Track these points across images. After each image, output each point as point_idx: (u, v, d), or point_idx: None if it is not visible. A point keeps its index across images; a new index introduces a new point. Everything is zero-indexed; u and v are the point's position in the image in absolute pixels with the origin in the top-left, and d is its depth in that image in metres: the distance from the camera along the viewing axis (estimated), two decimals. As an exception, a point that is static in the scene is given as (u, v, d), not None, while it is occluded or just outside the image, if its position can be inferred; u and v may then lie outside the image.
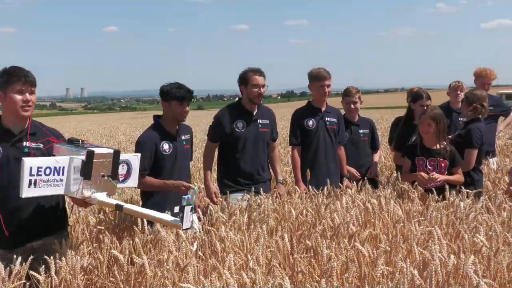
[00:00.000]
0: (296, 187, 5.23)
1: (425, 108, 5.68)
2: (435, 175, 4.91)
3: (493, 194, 4.74)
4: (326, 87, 5.53)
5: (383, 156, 8.36)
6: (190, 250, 3.28)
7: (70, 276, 2.95)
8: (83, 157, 3.19)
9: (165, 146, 4.43)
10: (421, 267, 2.84)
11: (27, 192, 3.06)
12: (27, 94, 3.33)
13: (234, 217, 3.94)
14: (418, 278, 2.53)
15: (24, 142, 3.39)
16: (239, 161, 5.06)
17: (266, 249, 3.22)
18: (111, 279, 3.11)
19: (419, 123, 5.18)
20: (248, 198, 4.45)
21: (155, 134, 4.47)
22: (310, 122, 5.55)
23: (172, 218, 3.28)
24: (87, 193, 3.24)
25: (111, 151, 3.32)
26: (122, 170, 3.46)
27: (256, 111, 5.21)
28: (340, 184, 5.28)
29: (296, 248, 3.32)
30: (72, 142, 3.39)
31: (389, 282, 2.66)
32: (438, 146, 5.08)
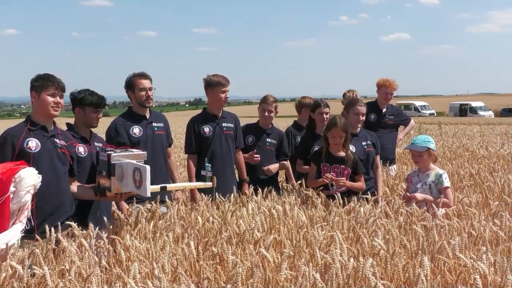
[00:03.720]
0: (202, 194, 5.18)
1: (325, 115, 5.87)
2: (342, 179, 5.09)
3: (392, 200, 4.97)
4: (226, 93, 5.51)
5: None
6: (94, 259, 3.21)
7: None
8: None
9: (81, 149, 4.37)
10: (323, 270, 2.93)
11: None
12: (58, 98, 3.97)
13: (140, 225, 3.89)
14: (320, 281, 2.61)
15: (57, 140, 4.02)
16: None
17: (172, 257, 3.20)
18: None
19: (330, 135, 5.24)
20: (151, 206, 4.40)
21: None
22: (207, 129, 5.50)
23: (201, 183, 4.81)
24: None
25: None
26: (137, 176, 3.89)
27: (149, 115, 5.18)
28: (247, 191, 5.34)
29: (202, 255, 3.32)
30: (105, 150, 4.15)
31: (293, 286, 2.72)
32: (342, 153, 5.25)
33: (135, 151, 4.19)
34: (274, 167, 6.05)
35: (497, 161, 8.37)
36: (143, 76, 5.08)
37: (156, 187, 4.29)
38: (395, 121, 7.45)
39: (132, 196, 4.26)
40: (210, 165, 4.80)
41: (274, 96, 6.25)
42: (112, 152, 4.03)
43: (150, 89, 5.09)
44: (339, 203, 4.65)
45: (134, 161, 3.96)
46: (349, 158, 5.24)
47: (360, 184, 5.29)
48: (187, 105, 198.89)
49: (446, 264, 3.14)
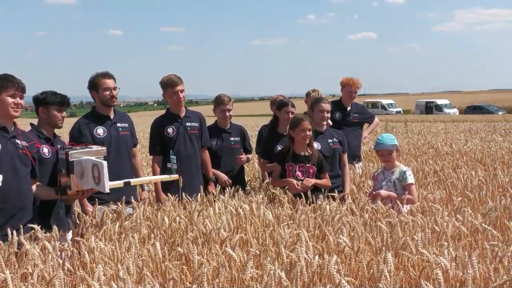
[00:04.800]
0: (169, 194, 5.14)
1: (290, 114, 5.93)
2: (307, 181, 5.11)
3: (358, 197, 5.03)
4: (179, 93, 5.46)
5: (256, 163, 8.55)
6: (58, 262, 3.16)
7: None
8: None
9: (45, 149, 4.29)
10: (288, 268, 2.94)
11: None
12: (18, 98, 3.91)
13: (105, 226, 3.85)
14: (285, 280, 2.62)
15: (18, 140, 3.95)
16: None
17: (138, 258, 3.18)
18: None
19: (298, 130, 5.27)
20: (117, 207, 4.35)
21: (35, 137, 4.34)
22: (170, 130, 5.47)
23: (166, 175, 4.84)
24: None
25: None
26: (95, 172, 3.82)
27: (113, 115, 5.11)
28: (213, 191, 5.32)
29: (169, 256, 3.31)
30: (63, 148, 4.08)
31: (258, 285, 2.73)
32: (306, 152, 5.29)
33: (94, 148, 4.13)
34: (245, 157, 6.14)
35: (460, 157, 8.54)
36: (107, 75, 5.00)
37: (119, 183, 4.24)
38: (360, 119, 7.56)
39: (94, 195, 4.22)
40: (175, 157, 4.79)
41: (227, 94, 6.22)
42: (70, 149, 3.98)
43: (115, 88, 5.01)
44: (306, 202, 4.67)
45: (93, 158, 3.91)
46: (314, 156, 5.29)
47: (326, 181, 5.34)
48: (155, 104, 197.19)
49: (410, 259, 3.19)
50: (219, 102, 6.12)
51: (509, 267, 2.79)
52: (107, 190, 3.80)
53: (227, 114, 6.08)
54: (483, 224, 3.78)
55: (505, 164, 7.59)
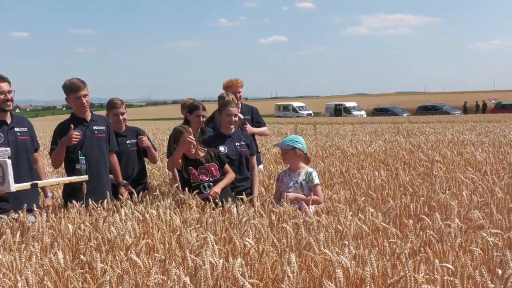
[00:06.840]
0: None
1: (201, 118, 5.95)
2: (214, 194, 5.15)
3: (266, 199, 5.10)
4: (83, 98, 5.24)
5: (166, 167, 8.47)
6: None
7: None
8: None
9: None
10: (193, 273, 2.95)
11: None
12: None
13: (4, 236, 3.69)
14: (189, 284, 2.62)
15: None
16: None
17: (39, 268, 3.07)
18: None
19: (182, 142, 5.29)
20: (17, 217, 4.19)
21: None
22: (76, 133, 5.22)
23: (75, 177, 4.84)
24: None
25: None
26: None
27: (10, 119, 4.91)
28: (121, 197, 5.22)
29: (71, 264, 3.22)
30: None
31: (162, 290, 2.72)
32: (198, 156, 5.35)
33: None
34: (146, 137, 6.14)
35: (365, 158, 8.85)
36: (1, 79, 4.79)
37: (26, 185, 4.10)
38: (251, 121, 7.53)
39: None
40: (84, 157, 4.71)
41: (119, 98, 6.12)
42: None
43: (9, 91, 4.81)
44: (216, 206, 4.68)
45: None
46: (209, 155, 5.36)
47: (229, 176, 5.46)
48: (64, 108, 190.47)
49: (313, 259, 3.27)
50: (111, 106, 5.99)
51: (406, 263, 2.92)
52: (13, 189, 3.68)
53: (121, 117, 5.97)
54: (382, 223, 3.95)
55: (406, 163, 7.93)
